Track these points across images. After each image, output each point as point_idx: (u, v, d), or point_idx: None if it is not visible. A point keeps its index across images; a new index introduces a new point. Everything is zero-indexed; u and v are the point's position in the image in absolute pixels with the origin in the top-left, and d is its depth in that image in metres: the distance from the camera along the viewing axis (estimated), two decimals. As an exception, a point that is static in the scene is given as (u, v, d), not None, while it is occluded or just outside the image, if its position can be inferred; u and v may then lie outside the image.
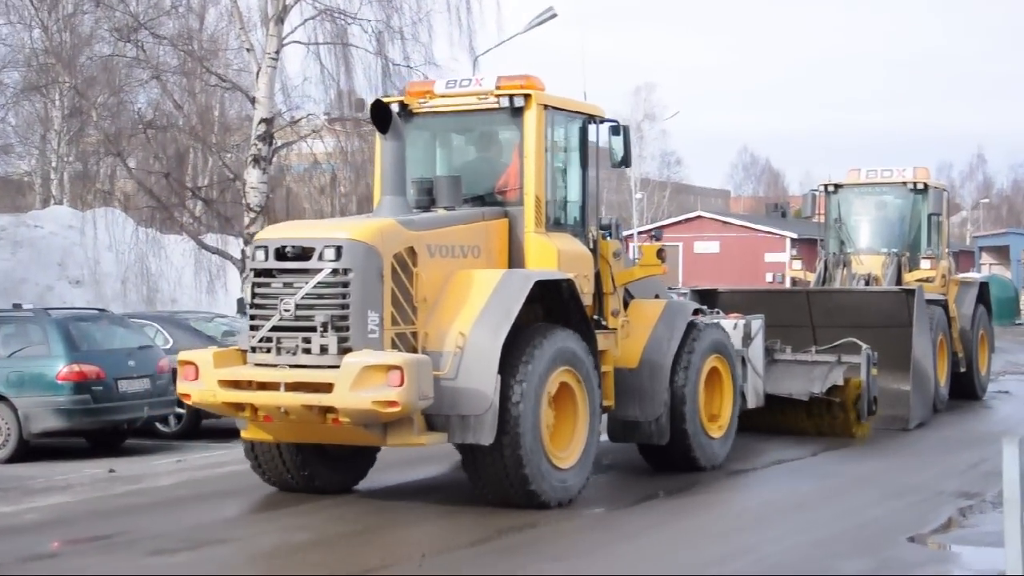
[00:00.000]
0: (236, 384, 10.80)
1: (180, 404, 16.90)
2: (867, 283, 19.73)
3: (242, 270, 24.90)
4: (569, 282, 11.89)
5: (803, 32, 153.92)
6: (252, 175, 24.71)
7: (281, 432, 11.28)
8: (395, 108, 12.06)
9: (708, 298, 17.60)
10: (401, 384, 10.07)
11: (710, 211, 70.82)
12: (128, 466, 14.58)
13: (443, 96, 12.53)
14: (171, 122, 26.95)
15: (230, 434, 17.35)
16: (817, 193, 21.28)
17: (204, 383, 10.88)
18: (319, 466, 12.06)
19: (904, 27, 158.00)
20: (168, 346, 17.42)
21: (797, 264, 21.83)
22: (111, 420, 15.60)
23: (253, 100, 25.15)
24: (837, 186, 21.08)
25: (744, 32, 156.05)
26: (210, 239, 27.02)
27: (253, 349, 10.88)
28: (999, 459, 7.67)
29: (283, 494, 12.24)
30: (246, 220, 24.94)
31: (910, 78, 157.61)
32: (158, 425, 17.00)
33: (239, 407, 10.91)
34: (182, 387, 11.10)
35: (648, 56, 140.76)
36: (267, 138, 24.75)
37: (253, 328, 10.86)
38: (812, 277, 20.90)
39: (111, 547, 10.13)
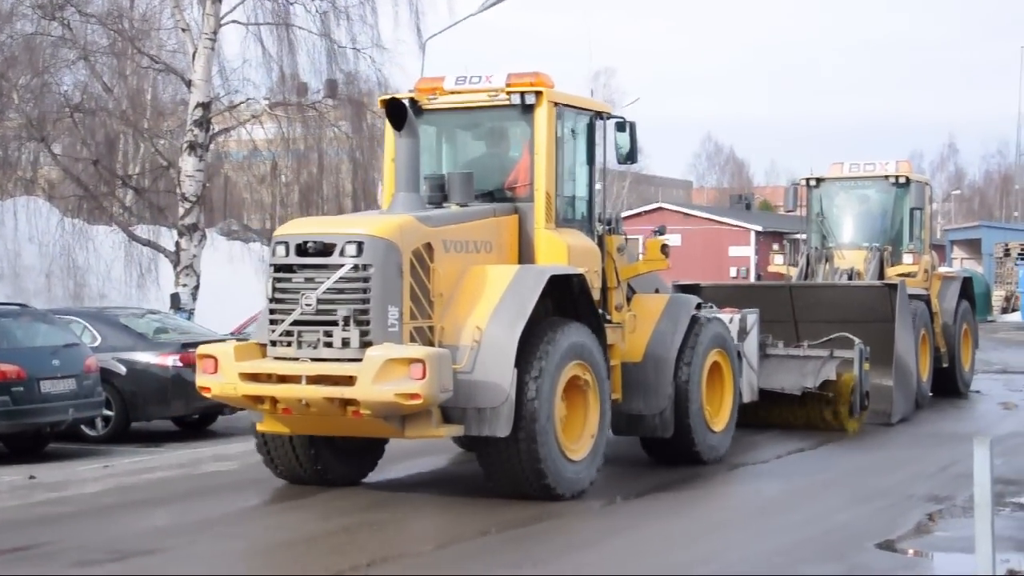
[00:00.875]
0: (256, 377, 11.44)
1: (108, 406, 16.62)
2: (849, 278, 20.20)
3: (176, 263, 24.60)
4: (580, 277, 12.51)
5: (769, 16, 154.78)
6: (187, 163, 24.39)
7: (299, 425, 11.82)
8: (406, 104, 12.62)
9: (690, 293, 17.67)
10: (423, 377, 10.73)
11: (672, 202, 70.91)
12: (50, 472, 14.26)
13: (452, 92, 13.09)
14: (100, 106, 26.60)
15: (161, 438, 17.15)
16: (799, 186, 21.81)
17: (225, 376, 11.50)
18: (330, 459, 12.59)
19: (872, 10, 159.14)
20: (96, 344, 17.07)
21: (779, 259, 22.14)
22: (32, 423, 15.26)
23: (189, 83, 24.82)
24: (819, 180, 21.67)
25: (708, 15, 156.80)
26: (141, 231, 26.67)
27: (273, 343, 11.49)
28: (970, 461, 7.76)
29: (215, 501, 12.35)
30: (180, 210, 24.64)
31: (880, 64, 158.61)
32: (84, 428, 16.65)
33: (259, 400, 11.51)
34: (201, 380, 11.70)
35: (608, 39, 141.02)
36: (204, 123, 24.44)
37: (273, 322, 11.47)
38: (794, 272, 21.26)
39: (32, 559, 9.91)
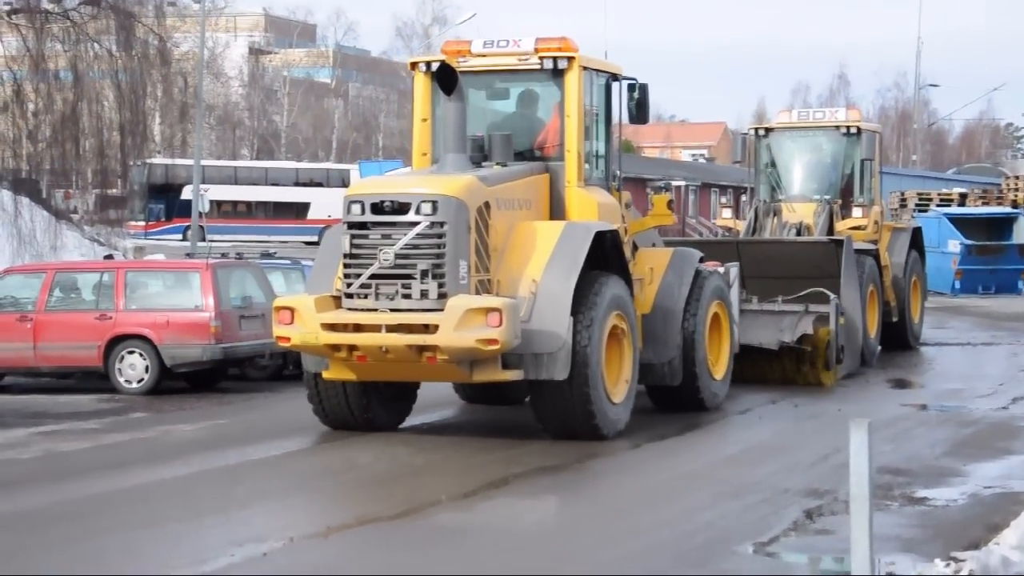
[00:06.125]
0: (334, 327, 14.34)
1: None
2: (799, 232, 23.31)
3: None
4: (615, 232, 15.89)
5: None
6: None
7: (370, 371, 14.81)
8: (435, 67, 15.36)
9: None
10: (500, 324, 13.80)
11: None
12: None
13: (480, 56, 16.23)
14: None
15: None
16: (748, 137, 25.10)
17: (305, 326, 14.37)
18: (378, 406, 15.74)
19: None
20: None
21: (727, 212, 24.96)
22: None
23: None
24: (768, 129, 24.95)
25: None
26: None
27: (349, 295, 14.47)
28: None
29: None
30: None
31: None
32: None
33: (336, 348, 14.45)
34: (279, 331, 14.69)
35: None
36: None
37: (348, 276, 14.45)
38: (742, 226, 24.47)
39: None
